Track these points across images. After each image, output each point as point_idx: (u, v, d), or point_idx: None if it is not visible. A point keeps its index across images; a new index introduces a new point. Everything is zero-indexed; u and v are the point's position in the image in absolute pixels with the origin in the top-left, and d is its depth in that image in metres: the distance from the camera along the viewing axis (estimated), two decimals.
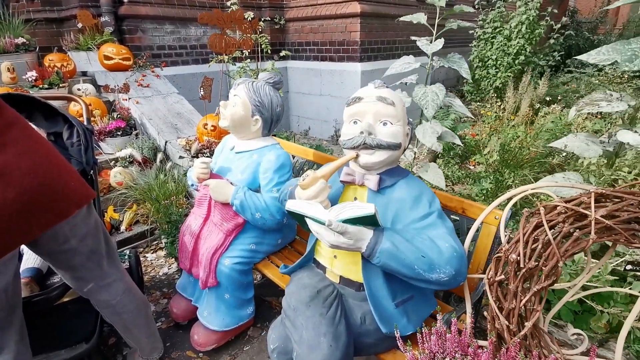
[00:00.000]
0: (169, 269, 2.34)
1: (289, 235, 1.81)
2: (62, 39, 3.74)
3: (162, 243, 2.57)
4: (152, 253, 2.52)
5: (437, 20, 1.82)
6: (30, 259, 1.40)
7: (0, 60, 3.10)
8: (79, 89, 3.25)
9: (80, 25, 3.53)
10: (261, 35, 3.12)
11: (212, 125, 2.79)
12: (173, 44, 4.35)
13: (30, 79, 3.03)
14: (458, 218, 1.44)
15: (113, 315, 1.34)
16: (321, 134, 5.15)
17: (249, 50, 2.98)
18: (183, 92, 3.91)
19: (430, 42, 1.82)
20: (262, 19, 3.94)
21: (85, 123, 1.64)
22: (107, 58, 3.42)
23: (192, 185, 1.73)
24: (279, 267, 1.65)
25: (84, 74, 3.69)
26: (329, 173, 1.10)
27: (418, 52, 1.94)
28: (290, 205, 1.02)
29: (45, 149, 1.07)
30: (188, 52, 4.53)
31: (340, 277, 1.18)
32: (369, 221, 0.99)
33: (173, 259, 2.34)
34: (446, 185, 2.61)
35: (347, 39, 4.38)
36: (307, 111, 5.22)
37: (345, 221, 0.96)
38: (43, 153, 1.05)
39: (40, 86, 3.02)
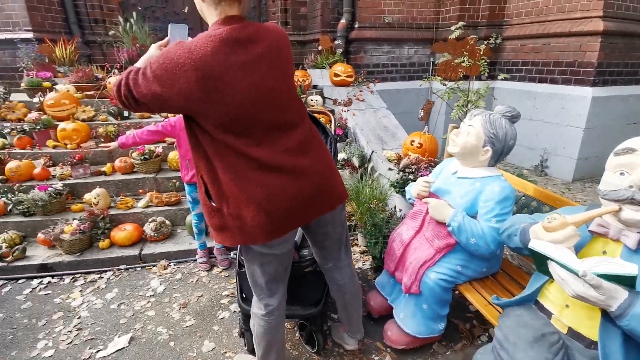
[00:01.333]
0: (363, 264, 2.65)
1: (495, 266, 1.79)
2: (305, 58, 4.66)
3: (357, 240, 2.92)
4: None
5: None
6: None
7: None
8: (311, 100, 4.00)
9: (320, 47, 4.32)
10: (481, 57, 3.11)
11: (419, 143, 2.97)
12: (386, 62, 4.79)
13: None
14: None
15: (338, 292, 1.67)
16: (522, 161, 4.68)
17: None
18: (388, 106, 4.27)
19: None
20: (485, 41, 3.87)
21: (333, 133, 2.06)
22: (336, 75, 4.08)
23: (410, 199, 1.93)
24: (480, 294, 1.68)
25: (314, 87, 4.51)
26: (581, 221, 1.07)
27: None
28: (536, 245, 1.05)
29: (327, 156, 1.43)
30: (398, 69, 4.90)
31: (569, 328, 1.14)
32: (626, 281, 0.93)
33: (369, 257, 2.64)
34: None
35: (580, 59, 3.84)
36: None
37: (599, 276, 0.93)
38: (326, 159, 1.41)
39: None
